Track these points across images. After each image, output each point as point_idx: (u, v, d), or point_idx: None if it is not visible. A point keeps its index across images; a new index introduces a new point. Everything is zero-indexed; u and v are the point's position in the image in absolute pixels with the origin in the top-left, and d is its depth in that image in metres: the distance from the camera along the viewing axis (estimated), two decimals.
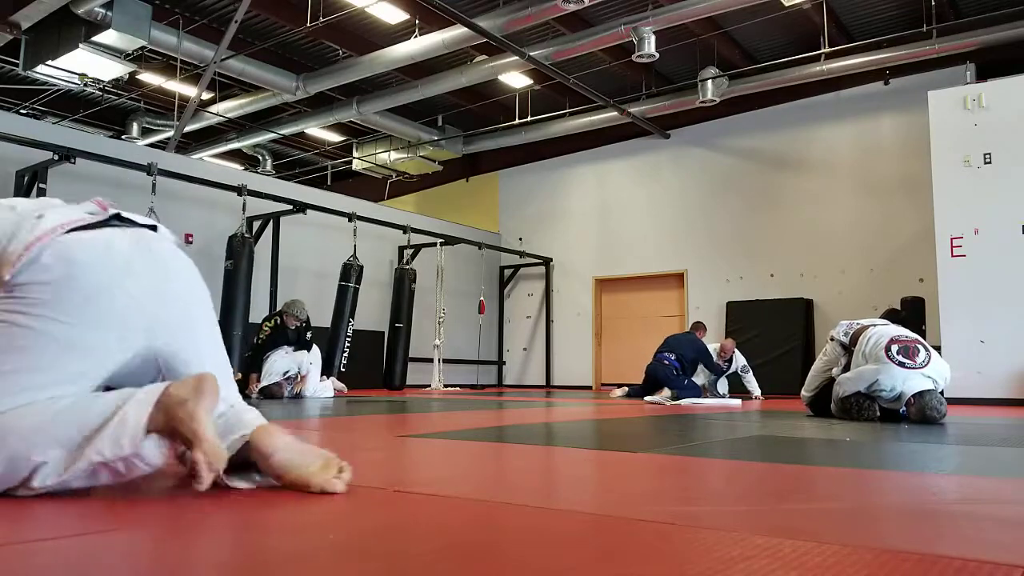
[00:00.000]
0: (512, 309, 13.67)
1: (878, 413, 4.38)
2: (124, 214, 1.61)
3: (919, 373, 4.29)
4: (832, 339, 4.75)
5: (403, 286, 10.42)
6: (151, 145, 11.49)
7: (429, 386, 10.90)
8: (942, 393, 4.41)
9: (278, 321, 7.67)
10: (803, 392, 4.96)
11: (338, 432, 2.98)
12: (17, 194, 7.50)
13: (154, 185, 7.74)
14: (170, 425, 1.34)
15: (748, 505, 1.53)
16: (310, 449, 1.53)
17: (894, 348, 4.36)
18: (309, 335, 7.79)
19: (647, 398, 7.56)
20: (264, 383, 7.23)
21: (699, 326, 8.67)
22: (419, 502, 1.52)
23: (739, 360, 8.32)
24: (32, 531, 1.21)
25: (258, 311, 9.01)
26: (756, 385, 8.26)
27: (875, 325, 4.65)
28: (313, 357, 7.67)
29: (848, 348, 4.61)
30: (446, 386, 10.99)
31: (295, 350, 7.57)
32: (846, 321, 4.83)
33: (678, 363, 7.68)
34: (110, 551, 1.08)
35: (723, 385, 8.36)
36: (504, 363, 13.53)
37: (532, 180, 13.73)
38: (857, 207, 10.57)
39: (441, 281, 11.26)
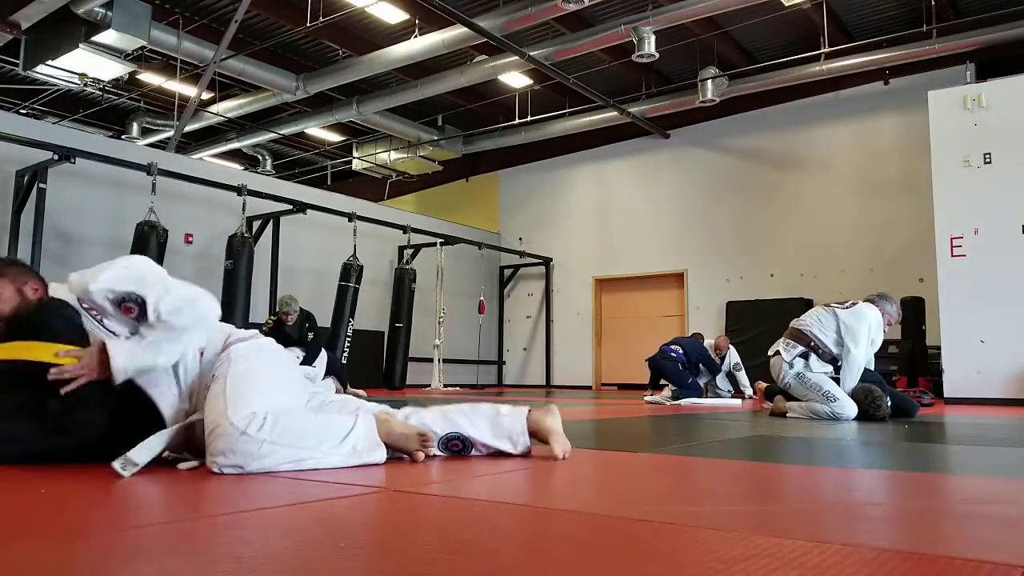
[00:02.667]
0: (512, 309, 13.67)
1: (888, 411, 4.41)
2: None
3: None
4: (792, 364, 4.68)
5: (403, 286, 10.42)
6: (151, 145, 11.49)
7: (429, 386, 10.90)
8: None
9: (277, 319, 7.66)
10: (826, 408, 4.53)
11: None
12: (17, 194, 7.51)
13: (154, 185, 7.74)
14: (387, 435, 2.05)
15: (748, 505, 1.53)
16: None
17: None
18: (311, 335, 7.73)
19: (647, 398, 7.55)
20: None
21: (699, 336, 8.69)
22: (419, 502, 1.52)
23: (733, 358, 8.32)
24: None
25: (258, 311, 9.02)
26: (748, 383, 8.26)
27: (800, 323, 4.80)
28: (318, 362, 7.66)
29: (807, 351, 4.68)
30: (446, 386, 10.99)
31: (301, 352, 7.48)
32: (781, 347, 4.79)
33: (684, 358, 7.62)
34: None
35: (724, 383, 8.35)
36: (504, 363, 13.53)
37: (532, 180, 13.73)
38: (857, 207, 10.57)
39: (441, 281, 11.27)
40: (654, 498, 1.63)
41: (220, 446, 1.78)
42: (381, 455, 1.99)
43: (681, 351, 7.60)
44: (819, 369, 4.59)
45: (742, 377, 8.28)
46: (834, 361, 4.62)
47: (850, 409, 4.39)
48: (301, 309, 7.70)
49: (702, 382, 8.13)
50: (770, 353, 4.89)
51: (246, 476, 1.77)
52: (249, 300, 8.43)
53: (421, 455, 2.04)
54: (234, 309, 8.17)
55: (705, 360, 7.89)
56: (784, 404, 4.74)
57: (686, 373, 7.50)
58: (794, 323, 4.83)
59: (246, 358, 1.98)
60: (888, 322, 4.74)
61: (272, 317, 7.78)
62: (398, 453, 2.07)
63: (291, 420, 1.86)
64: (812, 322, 4.72)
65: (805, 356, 4.65)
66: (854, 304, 4.69)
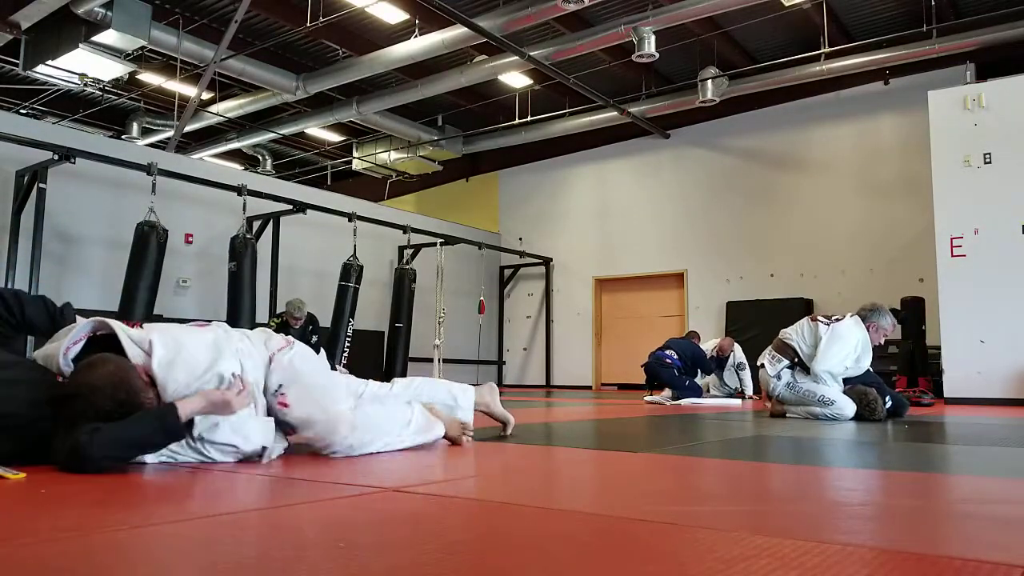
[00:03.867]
0: (512, 309, 13.67)
1: (885, 412, 4.41)
2: None
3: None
4: (779, 376, 4.71)
5: (403, 286, 10.41)
6: (151, 145, 11.48)
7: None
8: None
9: (282, 320, 7.70)
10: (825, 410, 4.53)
11: None
12: (17, 194, 7.50)
13: (154, 185, 7.74)
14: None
15: (748, 505, 1.53)
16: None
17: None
18: (315, 338, 7.78)
19: (647, 398, 7.55)
20: None
21: (694, 334, 8.67)
22: (419, 502, 1.52)
23: (737, 357, 8.30)
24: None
25: (259, 311, 9.01)
26: (750, 384, 8.24)
27: (785, 335, 4.83)
28: None
29: (793, 360, 4.69)
30: None
31: None
32: (767, 360, 4.82)
33: (680, 362, 7.60)
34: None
35: (733, 379, 8.35)
36: (504, 363, 13.52)
37: (532, 180, 13.73)
38: (857, 207, 10.57)
39: (441, 281, 11.26)
40: (654, 498, 1.63)
41: (329, 441, 2.18)
42: (440, 430, 2.50)
43: (676, 356, 7.57)
44: (806, 378, 4.60)
45: (745, 377, 8.25)
46: (807, 369, 4.63)
47: (848, 409, 4.39)
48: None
49: (703, 381, 8.11)
50: (758, 364, 4.91)
51: (244, 475, 1.78)
52: (255, 301, 8.42)
53: (464, 439, 2.58)
54: (240, 310, 8.18)
55: (700, 360, 7.88)
56: (781, 407, 4.75)
57: (683, 377, 7.50)
58: (781, 334, 4.84)
59: (311, 363, 2.30)
60: (883, 335, 4.68)
61: (276, 319, 7.81)
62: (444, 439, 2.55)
63: (369, 414, 2.29)
64: (796, 336, 4.73)
65: (791, 368, 4.67)
66: (839, 320, 4.63)
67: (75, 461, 1.73)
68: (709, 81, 10.25)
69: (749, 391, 8.22)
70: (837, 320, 4.64)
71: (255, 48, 9.92)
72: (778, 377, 4.69)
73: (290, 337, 2.36)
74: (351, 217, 9.75)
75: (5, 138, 7.19)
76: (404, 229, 10.80)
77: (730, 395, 8.14)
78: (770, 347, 4.86)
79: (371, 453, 2.25)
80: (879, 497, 1.71)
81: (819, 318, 4.74)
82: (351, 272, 9.47)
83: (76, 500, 1.50)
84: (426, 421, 2.45)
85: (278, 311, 8.48)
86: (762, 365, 4.83)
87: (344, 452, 2.20)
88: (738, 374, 8.30)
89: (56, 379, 1.92)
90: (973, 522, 1.37)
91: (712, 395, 8.04)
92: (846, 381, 4.61)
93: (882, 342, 4.75)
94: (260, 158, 14.27)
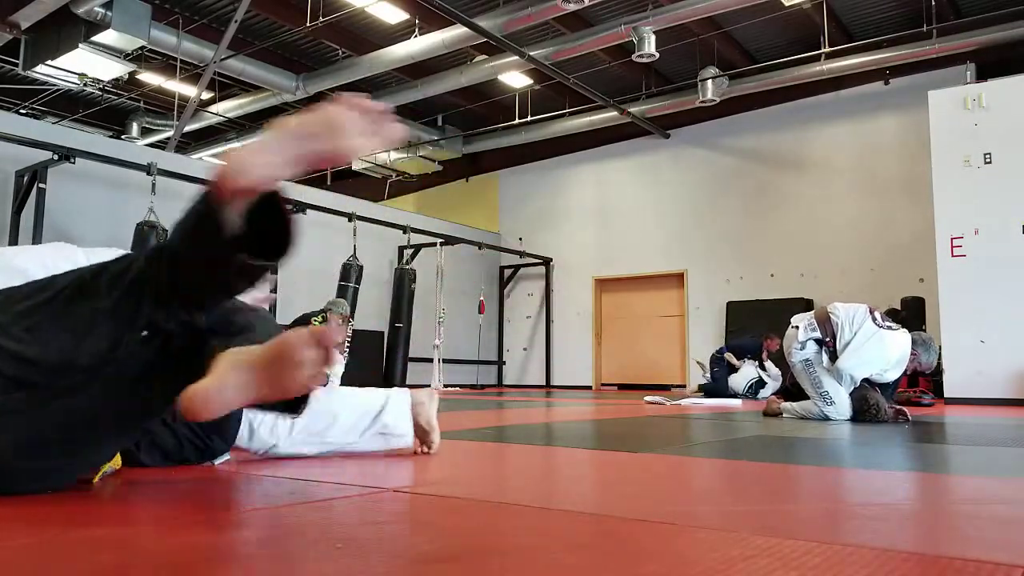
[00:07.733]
0: (512, 309, 13.66)
1: (888, 415, 4.38)
2: None
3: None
4: (804, 346, 4.49)
5: (403, 286, 10.42)
6: (151, 145, 11.48)
7: (429, 386, 10.88)
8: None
9: (323, 319, 7.65)
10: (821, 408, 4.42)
11: None
12: (17, 194, 7.50)
13: (154, 185, 7.74)
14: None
15: (748, 505, 1.53)
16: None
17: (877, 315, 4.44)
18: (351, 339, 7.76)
19: (647, 398, 7.56)
20: None
21: (824, 309, 8.74)
22: (419, 502, 1.52)
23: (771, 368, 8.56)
24: None
25: None
26: (777, 375, 8.39)
27: (834, 311, 4.56)
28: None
29: (825, 339, 4.46)
30: (446, 386, 10.98)
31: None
32: (803, 324, 4.57)
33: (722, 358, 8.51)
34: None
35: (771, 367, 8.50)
36: (504, 363, 13.52)
37: (532, 180, 13.73)
38: (857, 207, 10.57)
39: (441, 281, 11.26)
40: (654, 498, 1.63)
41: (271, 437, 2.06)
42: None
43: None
44: (825, 364, 4.49)
45: (770, 366, 8.52)
46: (833, 357, 4.55)
47: (845, 413, 4.36)
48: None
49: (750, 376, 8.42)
50: (792, 323, 4.64)
51: (243, 475, 1.78)
52: None
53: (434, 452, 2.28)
54: None
55: (725, 356, 8.66)
56: (777, 405, 4.73)
57: (718, 371, 8.43)
58: (829, 307, 4.57)
59: None
60: (914, 367, 4.48)
61: (318, 319, 7.74)
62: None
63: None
64: (846, 322, 4.43)
65: (818, 343, 4.52)
66: (893, 331, 4.37)
67: None
68: (709, 81, 10.25)
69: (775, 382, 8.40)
70: (891, 329, 4.38)
71: (255, 48, 9.93)
72: (803, 347, 4.46)
73: None
74: (351, 217, 9.75)
75: (5, 138, 7.19)
76: (404, 229, 10.80)
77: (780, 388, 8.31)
78: (812, 314, 4.60)
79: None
80: (879, 497, 1.70)
81: (877, 315, 4.43)
82: (351, 272, 9.47)
83: (75, 496, 1.50)
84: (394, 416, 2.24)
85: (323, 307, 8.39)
86: (796, 327, 4.56)
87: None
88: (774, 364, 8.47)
89: None
90: (973, 522, 1.37)
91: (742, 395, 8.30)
92: None
93: (908, 371, 4.61)
94: None
